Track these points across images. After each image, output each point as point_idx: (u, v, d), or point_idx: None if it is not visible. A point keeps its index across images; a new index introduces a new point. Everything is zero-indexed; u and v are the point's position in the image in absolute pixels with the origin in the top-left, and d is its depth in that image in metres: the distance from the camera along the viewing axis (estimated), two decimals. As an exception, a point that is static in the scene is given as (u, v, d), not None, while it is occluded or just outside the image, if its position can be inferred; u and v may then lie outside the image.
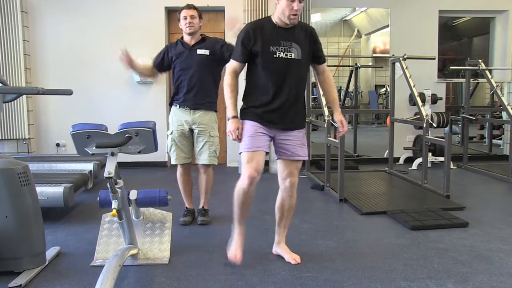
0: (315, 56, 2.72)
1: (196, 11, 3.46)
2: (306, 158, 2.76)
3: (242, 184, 2.61)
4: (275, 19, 2.61)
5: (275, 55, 2.57)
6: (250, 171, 2.57)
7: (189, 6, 3.48)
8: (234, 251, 2.68)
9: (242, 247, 2.71)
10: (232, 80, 2.66)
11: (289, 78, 2.60)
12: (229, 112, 2.65)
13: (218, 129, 3.58)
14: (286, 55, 2.58)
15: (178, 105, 3.47)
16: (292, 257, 2.74)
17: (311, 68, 2.94)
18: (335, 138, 4.37)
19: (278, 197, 2.77)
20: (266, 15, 5.83)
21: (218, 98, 3.57)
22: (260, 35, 2.58)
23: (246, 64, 2.68)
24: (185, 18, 3.43)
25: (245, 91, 2.73)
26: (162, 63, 3.56)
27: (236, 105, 2.66)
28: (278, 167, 2.73)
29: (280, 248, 2.83)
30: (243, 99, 2.73)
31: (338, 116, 2.78)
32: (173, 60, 3.49)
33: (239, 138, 2.64)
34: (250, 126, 2.63)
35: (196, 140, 3.49)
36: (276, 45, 2.57)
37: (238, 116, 2.66)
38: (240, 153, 2.66)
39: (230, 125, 2.62)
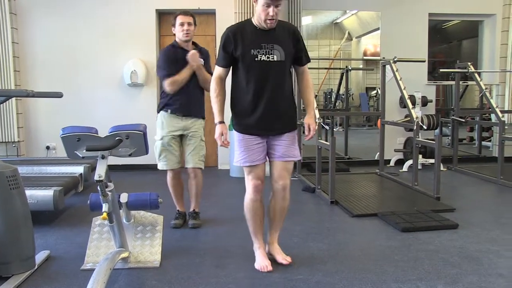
0: (297, 57, 2.67)
1: (192, 18, 3.44)
2: (298, 159, 2.75)
3: (248, 194, 2.67)
4: (255, 21, 2.59)
5: (256, 59, 2.54)
6: (253, 181, 2.63)
7: (186, 13, 3.44)
8: (262, 262, 2.68)
9: (266, 256, 2.72)
10: (217, 85, 2.66)
11: (272, 81, 2.57)
12: (215, 118, 2.65)
13: (209, 132, 3.59)
14: (268, 57, 2.55)
15: (169, 111, 3.44)
16: (283, 257, 2.75)
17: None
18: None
19: (270, 199, 2.76)
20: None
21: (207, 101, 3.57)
22: (241, 39, 2.56)
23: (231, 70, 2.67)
24: (182, 25, 3.39)
25: (231, 98, 2.70)
26: (175, 70, 3.38)
27: (221, 110, 2.65)
28: (270, 169, 2.72)
29: (272, 249, 2.82)
30: (231, 108, 2.71)
31: (307, 119, 2.70)
32: (178, 68, 3.38)
33: (225, 144, 2.65)
34: (243, 139, 2.64)
35: (186, 143, 3.49)
36: (257, 48, 2.54)
37: (224, 121, 2.66)
38: (236, 164, 2.68)
39: (216, 131, 2.63)
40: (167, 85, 3.37)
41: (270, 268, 2.64)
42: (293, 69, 2.77)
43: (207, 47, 3.73)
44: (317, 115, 4.59)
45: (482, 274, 2.58)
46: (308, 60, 2.74)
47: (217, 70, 2.66)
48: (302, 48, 2.68)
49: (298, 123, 2.93)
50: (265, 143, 2.65)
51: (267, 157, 2.69)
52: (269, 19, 2.50)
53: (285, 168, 2.67)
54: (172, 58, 3.42)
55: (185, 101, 3.42)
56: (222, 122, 2.64)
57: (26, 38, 5.92)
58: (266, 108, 2.58)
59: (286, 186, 2.69)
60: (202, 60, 3.43)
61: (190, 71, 3.37)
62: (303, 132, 5.85)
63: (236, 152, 2.68)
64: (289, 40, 2.61)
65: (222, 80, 2.67)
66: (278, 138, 2.65)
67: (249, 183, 2.64)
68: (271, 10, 2.47)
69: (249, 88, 2.59)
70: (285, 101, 2.66)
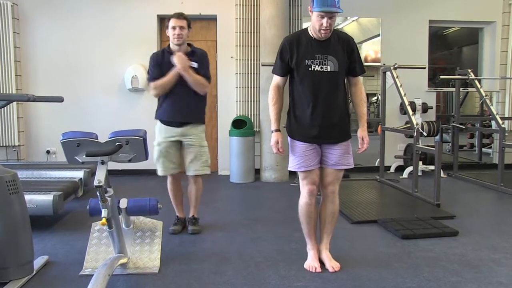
0: (351, 67, 2.69)
1: (185, 21, 3.37)
2: (351, 167, 2.76)
3: (303, 198, 2.75)
4: (310, 31, 2.62)
5: (310, 69, 2.58)
6: (308, 186, 2.70)
7: (179, 16, 3.37)
8: (312, 263, 2.77)
9: (318, 258, 2.79)
10: (274, 94, 2.71)
11: (326, 91, 2.60)
12: (272, 125, 2.71)
13: (209, 137, 3.56)
14: (322, 68, 2.58)
15: (163, 123, 3.41)
16: (330, 265, 2.77)
17: None
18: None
19: (320, 204, 2.83)
20: (258, 24, 5.92)
21: (208, 106, 3.56)
22: (296, 49, 2.61)
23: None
24: (174, 28, 3.33)
25: (289, 106, 2.76)
26: (161, 74, 3.35)
27: (278, 118, 2.71)
28: (321, 174, 2.76)
29: (322, 255, 2.85)
30: (288, 115, 2.76)
31: (361, 132, 2.74)
32: (164, 72, 3.35)
33: (280, 152, 2.70)
34: (298, 146, 2.68)
35: (186, 151, 3.44)
36: (311, 58, 2.58)
37: (280, 129, 2.71)
38: (290, 169, 2.75)
39: (272, 139, 2.70)
40: (151, 89, 3.41)
41: (319, 270, 2.71)
42: (347, 80, 2.78)
43: (208, 53, 3.63)
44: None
45: (482, 282, 2.57)
46: (362, 71, 2.75)
47: (275, 79, 2.72)
48: (356, 59, 2.70)
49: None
50: (318, 149, 2.70)
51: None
52: (323, 30, 2.53)
53: (337, 175, 2.74)
54: (159, 62, 3.38)
55: (177, 110, 3.36)
56: (278, 130, 2.69)
57: (28, 43, 5.94)
58: (319, 117, 2.62)
59: (335, 191, 2.76)
60: (194, 63, 3.35)
61: (175, 74, 3.30)
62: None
63: (290, 157, 2.73)
64: (344, 50, 2.64)
65: (279, 89, 2.72)
66: (332, 146, 2.69)
67: (304, 188, 2.72)
68: (325, 22, 2.50)
69: (304, 97, 2.63)
70: (339, 111, 2.68)
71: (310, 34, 2.62)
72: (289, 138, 2.74)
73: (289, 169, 2.77)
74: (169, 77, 3.32)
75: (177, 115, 3.38)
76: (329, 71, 2.59)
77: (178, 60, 3.27)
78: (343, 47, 2.64)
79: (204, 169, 3.47)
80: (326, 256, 2.82)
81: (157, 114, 3.49)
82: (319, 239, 2.89)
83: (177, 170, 3.51)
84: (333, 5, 2.46)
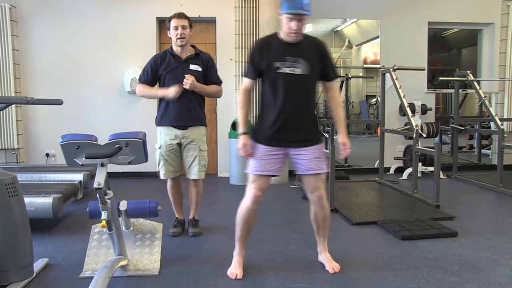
0: (324, 73, 2.67)
1: (187, 21, 3.37)
2: (324, 171, 2.72)
3: (245, 202, 2.69)
4: (281, 34, 2.61)
5: (279, 71, 2.57)
6: (254, 191, 2.65)
7: (180, 15, 3.37)
8: (235, 269, 2.72)
9: (242, 265, 2.75)
10: (243, 97, 2.70)
11: (295, 94, 2.59)
12: (239, 129, 2.69)
13: (209, 140, 3.56)
14: (291, 70, 2.57)
15: (163, 126, 3.42)
16: (331, 266, 2.77)
17: None
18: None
19: (310, 209, 2.80)
20: (257, 26, 5.92)
21: (207, 109, 3.56)
22: (266, 51, 2.60)
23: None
24: (176, 29, 3.33)
25: (258, 110, 2.75)
26: (152, 79, 3.41)
27: (245, 122, 2.69)
28: (303, 181, 2.75)
29: (322, 256, 2.86)
30: (257, 118, 2.75)
31: (342, 138, 2.72)
32: (162, 75, 3.37)
33: (248, 155, 2.67)
34: (260, 149, 2.66)
35: (185, 154, 3.44)
36: (281, 60, 2.57)
37: (247, 132, 2.68)
38: (247, 171, 2.71)
39: (239, 142, 2.67)
40: (137, 89, 3.44)
41: (240, 276, 2.67)
42: (323, 85, 2.77)
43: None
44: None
45: (481, 283, 2.58)
46: (336, 75, 2.74)
47: (245, 82, 2.71)
48: (329, 64, 2.68)
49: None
50: (282, 155, 2.67)
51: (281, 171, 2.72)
52: (293, 32, 2.52)
53: (318, 179, 2.69)
54: (156, 66, 3.38)
55: (177, 112, 3.35)
56: (245, 133, 2.67)
57: (27, 45, 5.94)
58: (286, 120, 2.61)
59: (322, 196, 2.72)
60: (198, 67, 3.37)
61: (164, 94, 3.32)
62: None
63: (250, 160, 2.69)
64: (315, 54, 2.63)
65: (248, 92, 2.71)
66: (300, 151, 2.65)
67: (250, 192, 2.66)
68: (293, 24, 2.49)
69: (272, 100, 2.62)
70: (307, 114, 2.67)
71: (281, 37, 2.60)
72: (252, 141, 2.70)
73: (246, 171, 2.73)
74: (159, 93, 3.37)
75: (177, 118, 3.37)
76: (299, 74, 2.57)
77: (188, 84, 3.27)
78: (315, 51, 2.63)
79: (200, 174, 3.45)
80: (326, 258, 2.83)
81: (157, 120, 3.47)
82: (317, 242, 2.88)
83: (178, 173, 3.51)
84: (301, 8, 2.45)
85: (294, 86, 2.58)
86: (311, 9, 2.48)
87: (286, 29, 2.53)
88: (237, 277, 2.66)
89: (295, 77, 2.57)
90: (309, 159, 2.64)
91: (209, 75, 3.44)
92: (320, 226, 2.82)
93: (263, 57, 2.60)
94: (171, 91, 3.27)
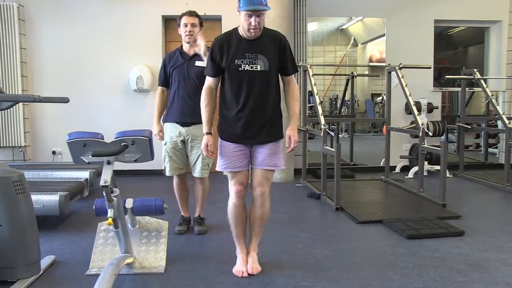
0: (282, 67, 2.65)
1: (197, 19, 3.41)
2: (279, 168, 2.73)
3: (230, 200, 2.72)
4: (240, 31, 2.58)
5: (240, 68, 2.55)
6: (235, 186, 2.67)
7: (191, 13, 3.40)
8: (239, 267, 2.72)
9: (246, 262, 2.74)
10: (206, 96, 2.67)
11: (256, 91, 2.57)
12: (203, 128, 2.68)
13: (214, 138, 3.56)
14: (252, 67, 2.55)
15: (168, 122, 3.46)
16: (251, 266, 2.72)
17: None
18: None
19: (251, 206, 2.78)
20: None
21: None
22: (226, 49, 2.57)
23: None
24: (186, 26, 3.37)
25: (219, 106, 2.72)
26: (167, 80, 3.48)
27: (209, 121, 2.67)
28: (251, 175, 2.73)
29: (249, 255, 2.80)
30: (219, 114, 2.72)
31: (289, 131, 2.64)
32: (170, 72, 3.43)
33: (210, 155, 2.67)
34: (226, 146, 2.66)
35: (190, 152, 3.46)
36: (241, 57, 2.55)
37: (211, 132, 2.66)
38: (217, 169, 2.72)
39: (203, 142, 2.66)
40: (157, 95, 3.55)
41: (246, 274, 2.67)
42: (281, 79, 2.74)
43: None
44: (323, 121, 4.59)
45: (489, 283, 2.56)
46: (294, 70, 2.71)
47: (207, 80, 2.68)
48: (288, 58, 2.66)
49: (303, 129, 2.89)
50: (248, 150, 2.67)
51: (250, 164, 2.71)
52: (253, 29, 2.50)
53: (264, 176, 2.68)
54: (166, 66, 3.46)
55: (183, 110, 3.38)
56: (209, 133, 2.66)
57: (34, 44, 5.97)
58: (249, 117, 2.59)
59: (264, 193, 2.69)
60: (204, 62, 3.35)
61: (153, 123, 3.46)
62: (309, 138, 5.86)
63: (218, 158, 2.70)
64: (275, 49, 2.60)
65: (212, 90, 2.68)
66: (261, 146, 2.65)
67: (232, 188, 2.69)
68: (253, 20, 2.47)
69: (233, 97, 2.61)
70: (270, 111, 2.65)
71: (240, 34, 2.57)
72: (219, 139, 2.69)
73: (216, 169, 2.73)
74: (154, 117, 3.50)
75: (181, 115, 3.40)
76: (259, 70, 2.55)
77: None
78: (274, 46, 2.60)
79: (203, 173, 3.47)
80: (251, 258, 2.77)
81: (164, 117, 3.53)
82: (248, 241, 2.83)
83: (183, 170, 3.52)
84: (259, 3, 2.43)
85: (255, 83, 2.57)
86: (267, 3, 2.46)
87: (245, 25, 2.50)
88: (243, 275, 2.66)
89: (256, 73, 2.56)
90: (266, 155, 2.64)
91: None
92: (256, 224, 2.77)
93: (223, 54, 2.57)
94: (154, 130, 3.38)
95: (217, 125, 2.73)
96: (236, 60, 2.55)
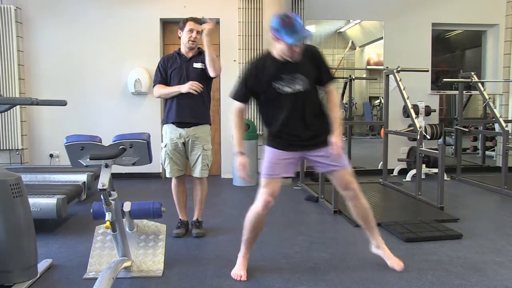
0: (319, 79, 2.64)
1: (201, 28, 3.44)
2: (345, 167, 2.69)
3: (255, 207, 2.66)
4: (275, 53, 2.54)
5: (279, 91, 2.53)
6: (265, 196, 2.63)
7: (197, 20, 3.44)
8: (239, 271, 2.71)
9: (246, 267, 2.74)
10: (237, 118, 2.66)
11: (299, 109, 2.57)
12: (236, 148, 2.65)
13: (212, 141, 3.57)
14: (291, 88, 2.54)
15: (169, 123, 3.46)
16: (397, 262, 2.78)
17: None
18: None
19: (350, 207, 2.80)
20: (261, 27, 5.93)
21: (211, 110, 3.57)
22: (262, 73, 2.55)
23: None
24: (191, 31, 3.40)
25: (262, 120, 2.72)
26: (165, 78, 3.48)
27: (241, 141, 2.65)
28: (332, 181, 2.74)
29: (381, 251, 2.86)
30: (264, 122, 2.72)
31: (333, 138, 2.62)
32: (169, 73, 3.46)
33: (245, 176, 2.64)
34: (271, 153, 2.65)
35: (189, 153, 3.47)
36: (278, 79, 2.53)
37: (244, 151, 2.65)
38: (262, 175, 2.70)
39: (237, 162, 2.63)
40: (154, 91, 3.50)
41: (244, 278, 2.66)
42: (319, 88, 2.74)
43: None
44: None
45: (487, 286, 2.56)
46: (329, 78, 2.69)
47: (236, 104, 2.65)
48: (325, 68, 2.65)
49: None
50: (296, 158, 2.68)
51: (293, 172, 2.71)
52: (296, 54, 2.48)
53: (346, 174, 2.68)
54: (165, 67, 3.47)
55: (182, 111, 3.39)
56: (242, 153, 2.63)
57: (31, 46, 5.96)
58: (294, 133, 2.61)
59: (355, 190, 2.70)
60: (199, 64, 3.42)
61: (178, 91, 3.37)
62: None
63: (263, 163, 2.68)
64: (311, 65, 2.59)
65: (242, 113, 2.67)
66: (318, 151, 2.64)
67: (261, 197, 2.64)
68: (296, 49, 2.46)
69: (277, 117, 2.60)
70: (317, 121, 2.65)
71: (275, 56, 2.54)
72: (266, 146, 2.70)
73: (263, 176, 2.68)
74: (172, 90, 3.39)
75: (180, 116, 3.40)
76: (299, 90, 2.54)
77: (192, 88, 3.32)
78: (311, 62, 2.59)
79: (203, 173, 3.48)
80: (389, 254, 2.83)
81: (164, 118, 3.52)
82: (369, 237, 2.89)
83: (182, 172, 3.53)
84: (302, 31, 2.41)
85: (297, 103, 2.56)
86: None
87: (287, 52, 2.48)
88: (241, 279, 2.66)
89: (298, 94, 2.55)
90: (331, 157, 2.62)
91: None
92: (365, 221, 2.81)
93: (258, 79, 2.55)
94: (184, 87, 3.34)
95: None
96: (274, 83, 2.53)
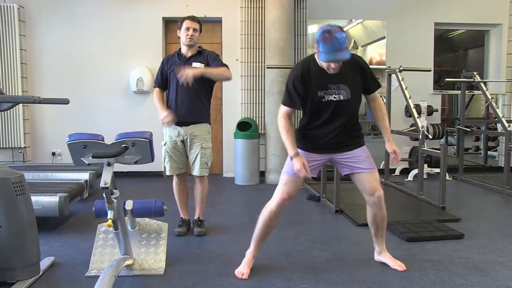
0: (365, 87, 2.65)
1: (198, 24, 3.46)
2: (373, 169, 2.70)
3: (270, 203, 2.68)
4: (319, 61, 2.53)
5: (323, 99, 2.55)
6: (282, 194, 2.64)
7: (194, 18, 3.46)
8: (242, 269, 2.72)
9: (250, 266, 2.75)
10: (286, 121, 2.59)
11: (341, 118, 2.60)
12: (289, 152, 2.57)
13: (214, 140, 3.56)
14: (335, 97, 2.55)
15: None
16: (398, 264, 2.78)
17: None
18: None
19: (368, 211, 2.81)
20: (263, 26, 5.92)
21: (210, 109, 3.58)
22: (308, 80, 2.55)
23: None
24: (187, 30, 3.41)
25: (301, 119, 2.73)
26: (164, 82, 3.52)
27: (293, 144, 2.57)
28: (357, 184, 2.74)
29: (383, 257, 2.87)
30: (299, 123, 2.73)
31: (391, 147, 2.68)
32: (168, 73, 3.47)
33: (307, 173, 2.53)
34: (300, 153, 2.64)
35: (189, 151, 3.49)
36: (324, 89, 2.54)
37: (298, 153, 2.58)
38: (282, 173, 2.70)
39: (295, 164, 2.53)
40: (154, 94, 3.54)
41: (245, 276, 2.66)
42: (364, 97, 2.75)
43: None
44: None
45: (488, 286, 2.56)
46: (376, 86, 2.69)
47: (285, 109, 2.61)
48: (370, 78, 2.64)
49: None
50: (324, 160, 2.72)
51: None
52: (332, 69, 2.48)
53: (375, 178, 2.69)
54: (164, 67, 3.50)
55: (187, 107, 3.40)
56: (297, 154, 2.56)
57: (34, 45, 5.98)
58: (332, 138, 2.63)
59: (381, 196, 2.69)
60: (198, 64, 3.41)
61: (159, 111, 3.39)
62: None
63: (288, 161, 2.66)
64: (357, 75, 2.59)
65: (290, 117, 2.63)
66: (347, 154, 2.66)
67: (278, 194, 2.64)
68: (333, 65, 2.47)
69: (317, 123, 2.62)
70: (353, 127, 2.69)
71: (320, 64, 2.53)
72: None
73: (285, 173, 2.66)
74: (158, 107, 3.44)
75: (181, 116, 3.41)
76: (343, 99, 2.56)
77: (185, 75, 3.17)
78: (355, 72, 2.59)
79: (202, 171, 3.48)
80: (388, 257, 2.86)
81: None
82: (375, 243, 2.91)
83: (183, 170, 3.54)
84: (338, 54, 2.37)
85: (340, 112, 2.59)
86: (347, 46, 2.40)
87: (324, 66, 2.49)
88: (243, 277, 2.66)
89: (341, 103, 2.57)
90: (358, 160, 2.65)
91: (212, 64, 3.43)
92: (379, 228, 2.82)
93: (305, 86, 2.54)
94: (161, 114, 3.37)
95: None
96: (319, 92, 2.54)
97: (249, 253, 2.79)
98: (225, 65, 3.47)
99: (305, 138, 2.68)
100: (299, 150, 2.62)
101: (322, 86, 2.54)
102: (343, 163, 2.70)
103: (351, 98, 2.58)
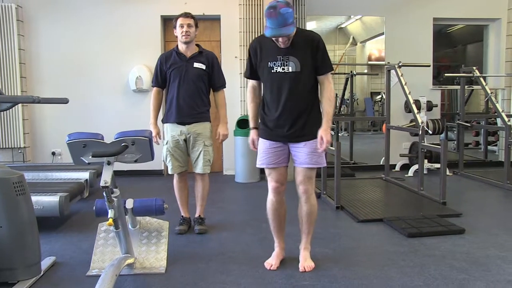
0: (315, 66, 2.63)
1: (193, 20, 3.45)
2: (317, 166, 2.73)
3: (268, 196, 2.81)
4: None
5: (272, 70, 2.61)
6: (272, 183, 2.76)
7: (186, 15, 3.46)
8: (271, 260, 2.80)
9: (280, 257, 2.83)
10: (250, 93, 2.81)
11: (289, 91, 2.60)
12: (250, 123, 2.82)
13: (214, 138, 3.57)
14: (283, 69, 2.59)
15: (168, 123, 3.49)
16: (302, 265, 2.77)
17: None
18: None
19: (298, 204, 2.83)
20: (261, 23, 5.91)
21: (210, 108, 3.58)
22: (260, 51, 2.65)
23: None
24: (182, 27, 3.41)
25: (261, 106, 2.80)
26: (163, 81, 3.52)
27: (255, 116, 2.80)
28: (294, 174, 2.77)
29: (300, 254, 2.85)
30: (260, 114, 2.80)
31: (321, 131, 2.60)
32: (168, 73, 3.46)
33: (255, 148, 2.79)
34: (262, 143, 2.75)
35: (191, 149, 3.49)
36: (273, 60, 2.60)
37: (256, 126, 2.79)
38: (256, 166, 2.85)
39: (249, 136, 2.81)
40: (152, 96, 3.59)
41: (274, 267, 2.74)
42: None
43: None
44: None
45: (490, 280, 2.56)
46: (327, 69, 2.66)
47: (250, 82, 2.81)
48: (321, 58, 2.63)
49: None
50: (285, 148, 2.73)
51: (288, 161, 2.78)
52: (282, 44, 2.55)
53: (305, 174, 2.71)
54: (162, 66, 3.49)
55: (188, 107, 3.42)
56: (255, 127, 2.79)
57: (33, 45, 5.96)
58: (281, 117, 2.65)
59: (307, 190, 2.73)
60: (202, 65, 3.43)
61: (150, 122, 3.51)
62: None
63: (258, 155, 2.79)
64: (308, 50, 2.60)
65: (255, 89, 2.81)
66: (298, 145, 2.68)
67: (269, 185, 2.78)
68: (280, 41, 2.53)
69: (270, 98, 2.68)
70: (303, 110, 2.65)
71: None
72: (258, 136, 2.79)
73: (256, 166, 2.83)
74: (151, 114, 3.54)
75: (180, 116, 3.42)
76: (290, 71, 2.58)
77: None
78: (306, 47, 2.59)
79: (205, 168, 3.50)
80: (302, 257, 2.81)
81: (164, 118, 3.56)
82: (300, 239, 2.89)
83: (184, 168, 3.54)
84: (279, 30, 2.42)
85: (287, 85, 2.60)
86: (293, 21, 2.44)
87: (274, 41, 2.57)
88: (271, 268, 2.74)
89: (288, 75, 2.59)
90: (307, 153, 2.66)
91: (214, 76, 3.51)
92: (304, 222, 2.81)
93: (258, 56, 2.66)
94: (151, 129, 3.44)
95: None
96: (269, 63, 2.61)
97: (276, 245, 2.87)
98: (223, 84, 3.60)
99: (263, 126, 2.74)
100: (261, 139, 2.74)
101: (272, 57, 2.60)
102: (295, 153, 2.71)
103: (300, 72, 2.58)
